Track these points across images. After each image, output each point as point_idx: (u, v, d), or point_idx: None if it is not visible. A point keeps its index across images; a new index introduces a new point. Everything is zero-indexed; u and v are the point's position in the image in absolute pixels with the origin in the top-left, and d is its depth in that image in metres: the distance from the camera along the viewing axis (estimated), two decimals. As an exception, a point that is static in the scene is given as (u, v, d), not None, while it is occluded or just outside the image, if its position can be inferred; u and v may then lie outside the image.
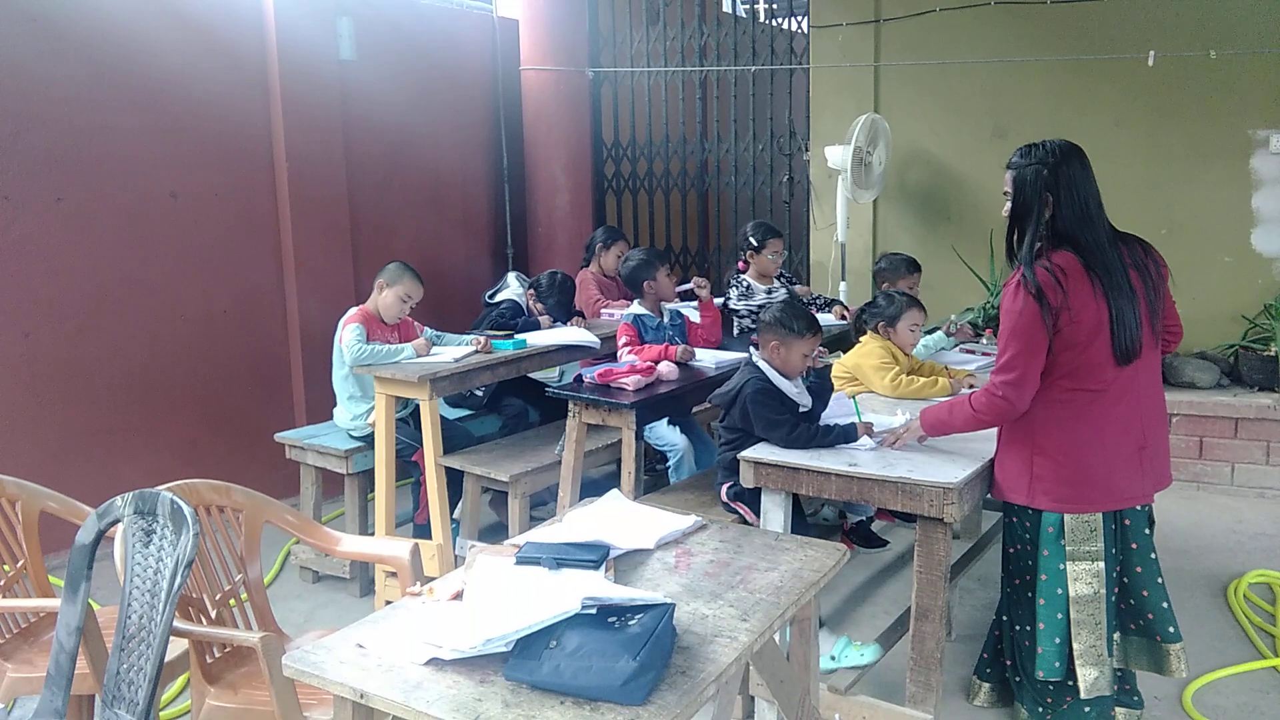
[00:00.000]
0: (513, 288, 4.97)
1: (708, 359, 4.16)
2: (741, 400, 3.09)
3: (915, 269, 4.53)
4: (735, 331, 4.78)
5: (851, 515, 3.95)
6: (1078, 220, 2.55)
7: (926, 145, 5.98)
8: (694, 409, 4.42)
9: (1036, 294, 2.50)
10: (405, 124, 5.79)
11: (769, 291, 4.79)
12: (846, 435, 2.91)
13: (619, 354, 4.14)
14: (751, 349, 3.28)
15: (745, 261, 4.84)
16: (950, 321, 4.25)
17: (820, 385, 3.27)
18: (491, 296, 5.04)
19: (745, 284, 4.79)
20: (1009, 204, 2.66)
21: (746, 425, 3.08)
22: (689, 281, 4.71)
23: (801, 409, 3.14)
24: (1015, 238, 2.65)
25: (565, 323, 4.82)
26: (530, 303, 4.89)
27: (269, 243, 5.07)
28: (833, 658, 3.07)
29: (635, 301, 4.37)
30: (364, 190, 5.53)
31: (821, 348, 3.40)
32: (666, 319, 4.36)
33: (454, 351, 4.09)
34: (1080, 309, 2.51)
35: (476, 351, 4.08)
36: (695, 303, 4.53)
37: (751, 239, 4.77)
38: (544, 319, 4.75)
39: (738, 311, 4.80)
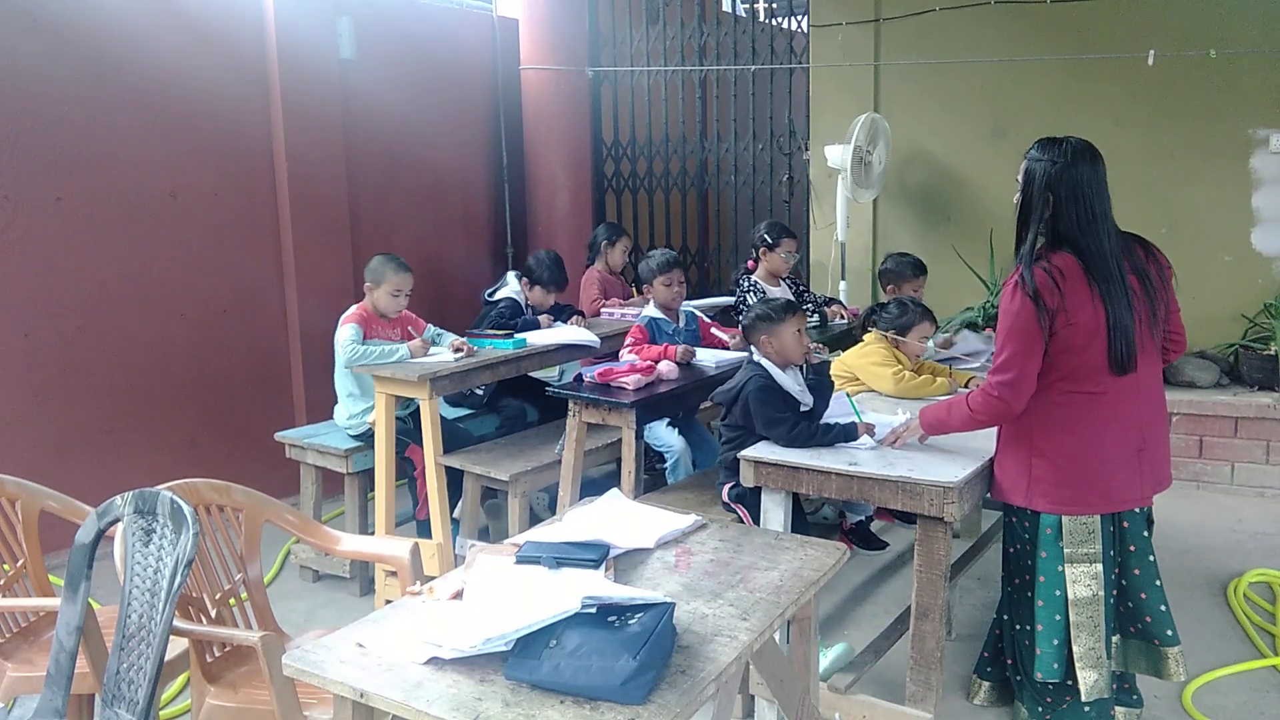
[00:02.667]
0: (511, 285, 4.97)
1: (708, 359, 4.16)
2: (743, 398, 3.09)
3: (922, 271, 4.51)
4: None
5: (851, 515, 3.95)
6: (1077, 225, 2.54)
7: (926, 144, 5.97)
8: (702, 406, 4.42)
9: (1033, 295, 2.50)
10: (405, 123, 5.78)
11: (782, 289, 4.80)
12: (847, 434, 2.91)
13: (621, 353, 4.13)
14: (752, 349, 3.29)
15: (755, 260, 4.84)
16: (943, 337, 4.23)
17: (820, 382, 3.28)
18: (491, 295, 5.04)
19: (759, 286, 4.78)
20: (1018, 194, 2.65)
21: (748, 423, 3.08)
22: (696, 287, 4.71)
23: (803, 408, 3.14)
24: (1021, 232, 2.64)
25: (560, 306, 4.77)
26: (525, 292, 4.84)
27: (269, 242, 5.07)
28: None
29: (651, 303, 4.38)
30: (364, 189, 5.53)
31: (820, 344, 3.41)
32: (682, 322, 4.36)
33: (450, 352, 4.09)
34: (1077, 311, 2.51)
35: (460, 354, 4.03)
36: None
37: (766, 236, 4.78)
38: (544, 318, 4.75)
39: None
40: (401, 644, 1.76)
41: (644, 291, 4.37)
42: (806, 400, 3.16)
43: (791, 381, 3.15)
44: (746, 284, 4.79)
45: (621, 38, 6.76)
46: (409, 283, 4.16)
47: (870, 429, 2.94)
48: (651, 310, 4.35)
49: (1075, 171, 2.54)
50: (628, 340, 4.19)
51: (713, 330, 4.61)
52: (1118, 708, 2.86)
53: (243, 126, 4.91)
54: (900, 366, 3.56)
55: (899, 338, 3.61)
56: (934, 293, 5.11)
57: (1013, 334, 2.55)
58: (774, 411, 2.99)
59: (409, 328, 4.26)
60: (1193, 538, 4.40)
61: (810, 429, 2.92)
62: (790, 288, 4.95)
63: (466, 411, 4.71)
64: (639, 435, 3.71)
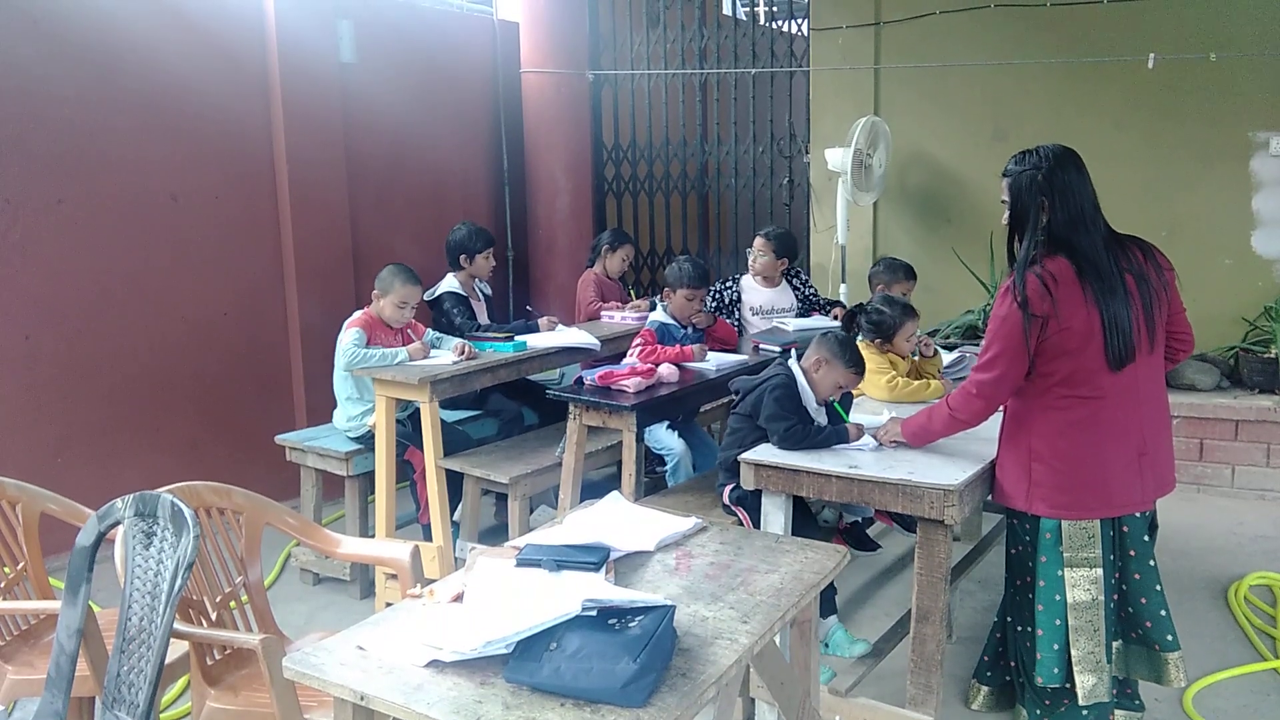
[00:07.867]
0: (446, 281, 4.78)
1: (708, 362, 4.16)
2: (761, 390, 3.09)
3: (911, 275, 4.53)
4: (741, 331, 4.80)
5: (848, 516, 3.95)
6: (1073, 224, 2.55)
7: (927, 148, 5.98)
8: (703, 408, 4.41)
9: (1022, 304, 2.52)
10: (406, 126, 5.79)
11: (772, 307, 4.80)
12: (839, 436, 2.93)
13: (630, 353, 4.12)
14: (793, 351, 3.29)
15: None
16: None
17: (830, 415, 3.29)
18: (433, 297, 4.80)
19: (737, 281, 4.80)
20: (1008, 211, 2.66)
21: (755, 414, 3.08)
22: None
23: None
24: (1015, 244, 2.66)
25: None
26: (462, 281, 4.75)
27: (269, 244, 5.07)
28: (825, 644, 3.07)
29: (660, 308, 4.36)
30: (364, 192, 5.53)
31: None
32: (691, 330, 4.36)
33: (453, 355, 4.09)
34: (1070, 317, 2.51)
35: (463, 358, 4.03)
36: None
37: (756, 236, 4.81)
38: (544, 320, 4.74)
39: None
40: (402, 647, 1.75)
41: (663, 295, 4.35)
42: (820, 421, 3.16)
43: (812, 398, 3.14)
44: (733, 284, 4.82)
45: (622, 41, 6.76)
46: (417, 295, 4.17)
47: (861, 430, 2.95)
48: (661, 315, 4.32)
49: (1063, 173, 2.57)
50: (636, 341, 4.16)
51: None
52: (1118, 711, 2.86)
53: (243, 129, 4.91)
54: (894, 373, 3.55)
55: (886, 345, 3.61)
56: (934, 295, 5.12)
57: (999, 336, 2.59)
58: (781, 409, 2.99)
59: (408, 331, 4.26)
60: (1193, 540, 4.40)
61: (804, 430, 2.93)
62: (796, 290, 4.96)
63: (464, 414, 4.70)
64: (639, 438, 3.71)
